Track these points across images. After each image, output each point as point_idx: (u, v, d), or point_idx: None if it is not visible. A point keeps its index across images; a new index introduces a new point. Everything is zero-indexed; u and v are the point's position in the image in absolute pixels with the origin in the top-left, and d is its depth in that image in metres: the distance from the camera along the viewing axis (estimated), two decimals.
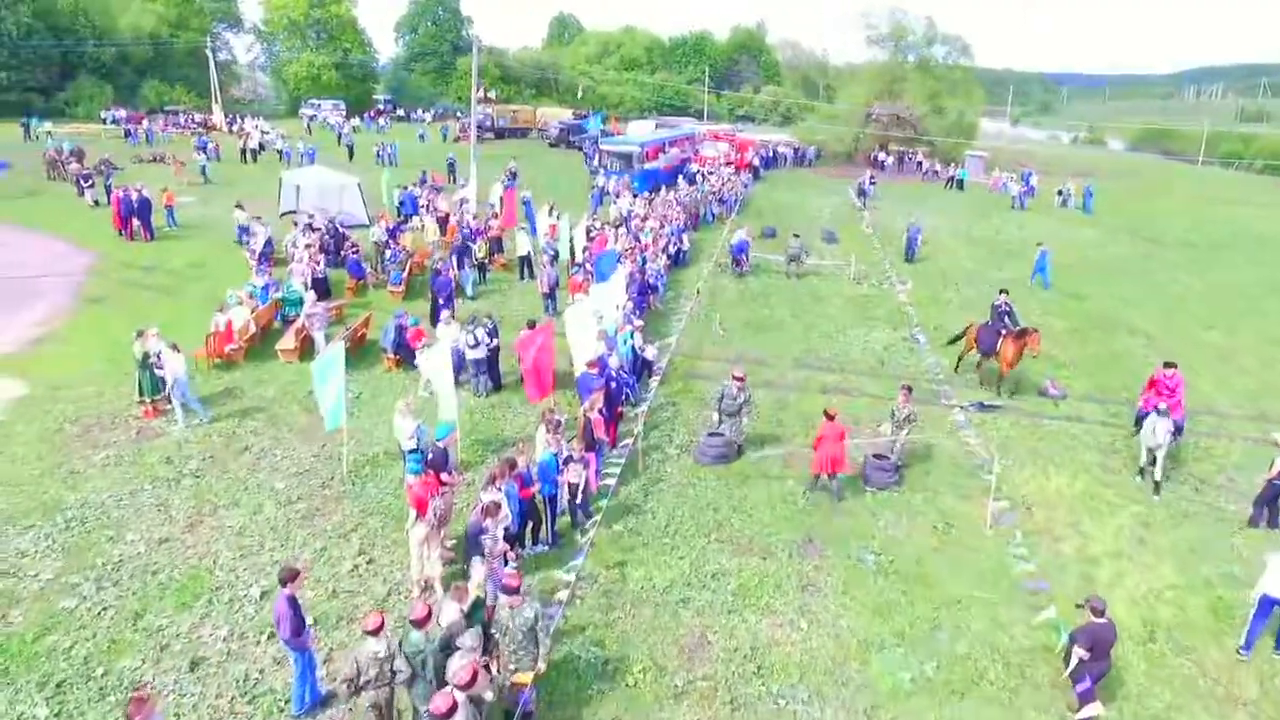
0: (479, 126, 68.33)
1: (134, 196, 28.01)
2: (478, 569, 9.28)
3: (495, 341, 17.22)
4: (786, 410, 17.31)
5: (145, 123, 60.22)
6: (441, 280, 20.95)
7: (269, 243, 25.51)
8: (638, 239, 26.33)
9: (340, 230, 26.67)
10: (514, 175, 41.10)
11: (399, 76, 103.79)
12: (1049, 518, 13.63)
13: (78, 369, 17.28)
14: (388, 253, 25.14)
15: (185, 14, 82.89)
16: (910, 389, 15.07)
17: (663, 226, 28.68)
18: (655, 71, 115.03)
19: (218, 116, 67.96)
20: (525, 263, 26.13)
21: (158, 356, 14.84)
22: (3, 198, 34.49)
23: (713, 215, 37.01)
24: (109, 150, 46.27)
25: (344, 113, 79.32)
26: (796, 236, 28.61)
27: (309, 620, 9.01)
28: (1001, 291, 20.43)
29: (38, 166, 39.70)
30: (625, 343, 17.33)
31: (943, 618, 10.98)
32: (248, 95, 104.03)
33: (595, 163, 45.06)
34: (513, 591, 8.38)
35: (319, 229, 26.49)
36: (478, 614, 8.82)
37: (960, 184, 52.89)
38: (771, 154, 58.53)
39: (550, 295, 22.33)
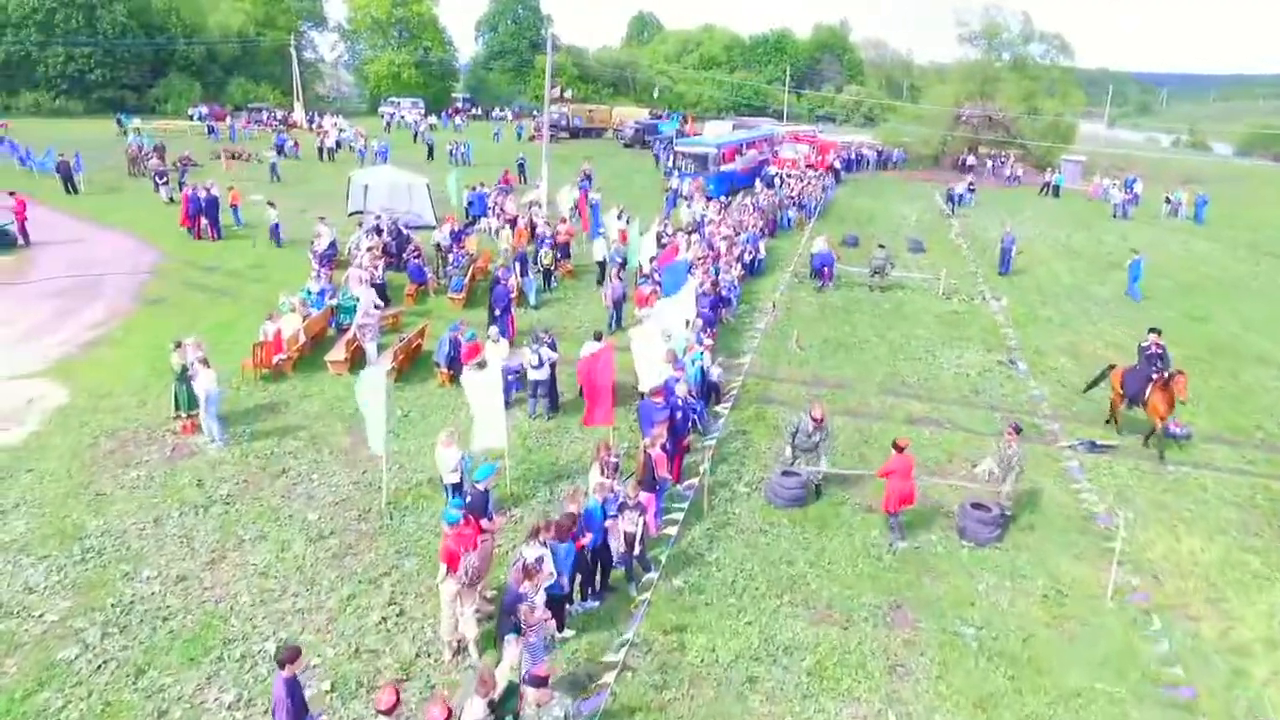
0: (554, 126, 67.72)
1: (202, 195, 27.75)
2: (510, 649, 7.96)
3: (555, 355, 15.99)
4: (870, 444, 15.60)
5: (228, 119, 61.23)
6: (499, 290, 19.81)
7: (333, 245, 24.86)
8: (711, 246, 24.81)
9: (404, 232, 25.84)
10: (588, 178, 39.98)
11: (478, 75, 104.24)
12: (1181, 590, 11.66)
13: (123, 376, 16.67)
14: (450, 257, 24.20)
15: (272, 13, 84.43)
16: (1019, 429, 13.25)
17: (738, 233, 27.11)
18: (734, 71, 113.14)
19: (298, 114, 68.81)
20: (602, 269, 24.89)
21: (195, 368, 14.02)
22: (85, 193, 34.90)
23: (790, 221, 35.22)
24: (191, 147, 47.01)
25: (423, 111, 79.70)
26: (882, 247, 26.70)
27: (316, 703, 7.86)
28: (1151, 331, 16.94)
29: (122, 162, 40.29)
30: (694, 364, 15.87)
31: (1059, 717, 9.24)
32: (332, 93, 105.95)
33: (669, 164, 43.69)
34: (541, 683, 7.06)
35: (382, 230, 25.70)
36: (509, 704, 7.52)
37: (1056, 190, 49.76)
38: (854, 156, 56.27)
39: (616, 307, 21.00)
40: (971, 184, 43.03)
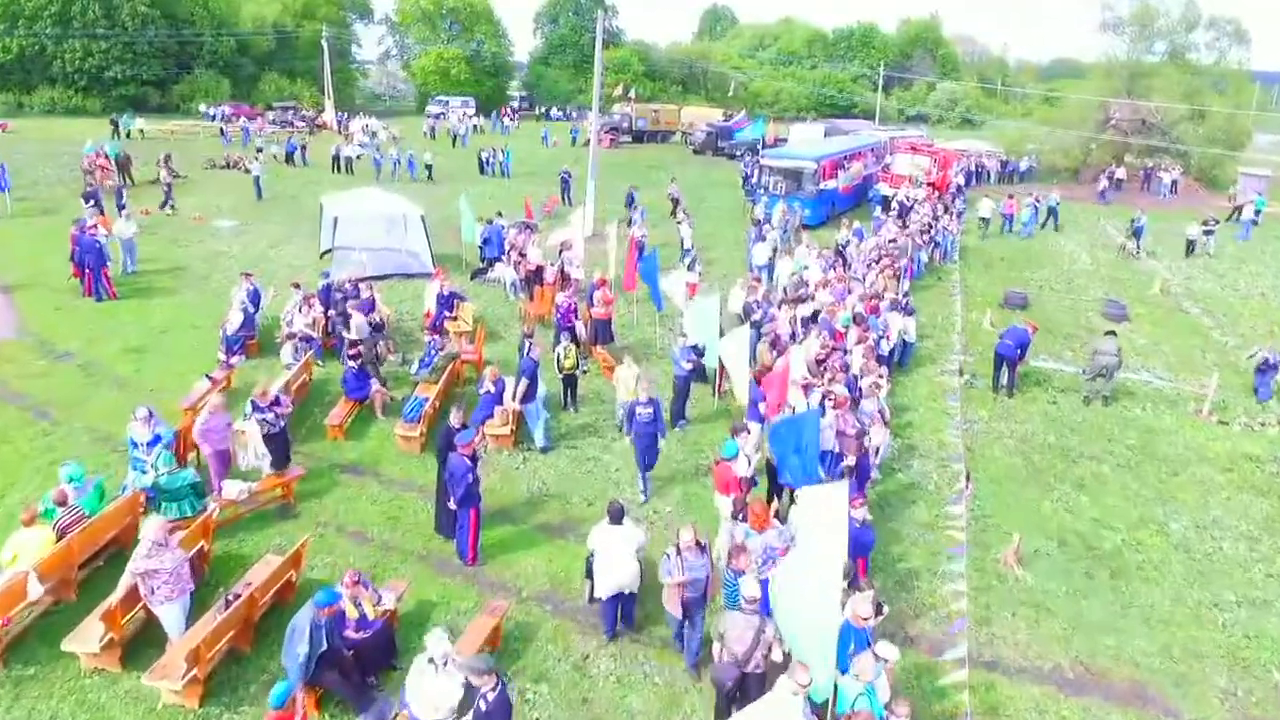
0: (613, 129, 59.05)
1: (91, 236, 19.48)
2: None
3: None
4: None
5: (241, 120, 53.89)
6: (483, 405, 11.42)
7: (248, 323, 16.34)
8: (834, 342, 15.46)
9: (346, 298, 16.99)
10: (631, 200, 30.78)
11: (536, 72, 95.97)
12: None
13: None
14: (427, 342, 15.41)
15: (312, 3, 77.43)
16: None
17: (872, 300, 17.65)
18: (815, 66, 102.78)
19: (328, 114, 61.28)
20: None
21: None
22: (10, 215, 27.25)
23: (921, 266, 25.32)
24: (201, 152, 39.77)
25: (473, 110, 71.77)
26: (1111, 334, 16.82)
27: None
28: None
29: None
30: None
31: None
32: (386, 91, 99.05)
33: (754, 180, 34.34)
34: None
35: (325, 297, 17.06)
36: None
37: (1254, 214, 37.57)
38: (974, 168, 46.05)
39: (645, 453, 11.89)
40: (1210, 222, 31.28)
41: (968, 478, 12.14)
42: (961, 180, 39.93)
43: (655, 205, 32.44)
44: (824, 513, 8.68)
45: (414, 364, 15.34)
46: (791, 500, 10.16)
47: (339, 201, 23.66)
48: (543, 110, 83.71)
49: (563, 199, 34.18)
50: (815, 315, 17.52)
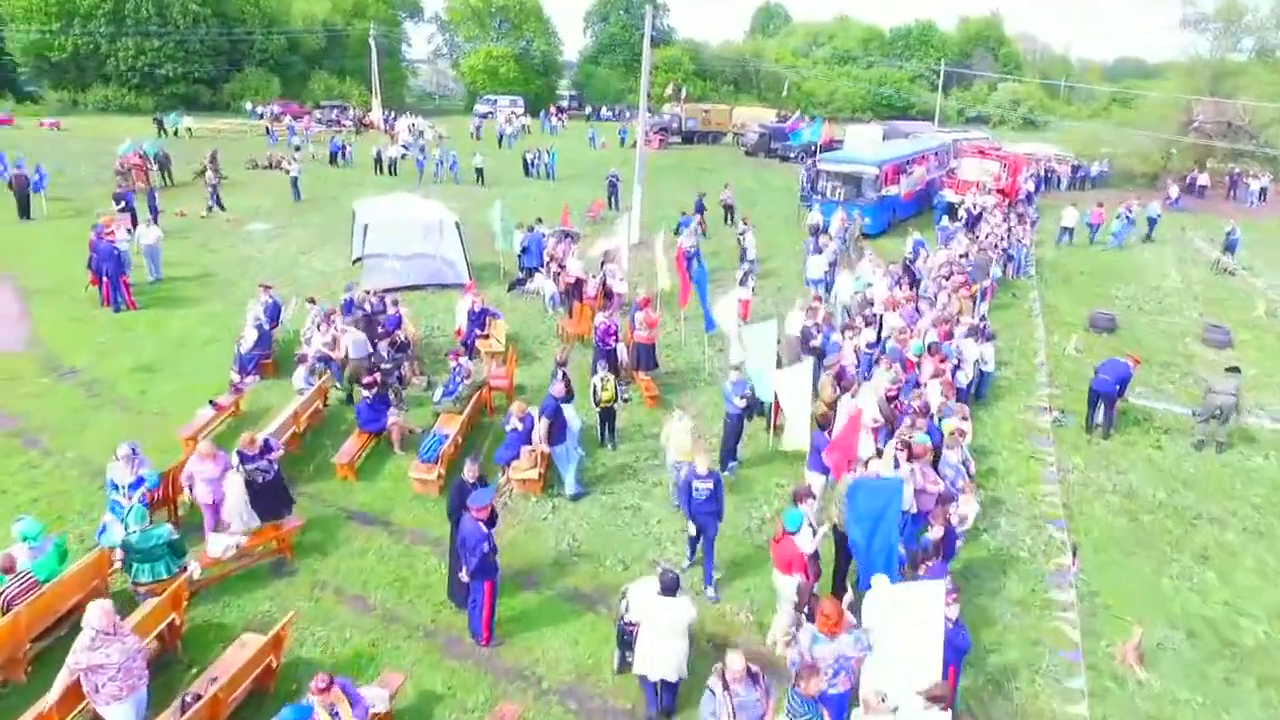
0: (662, 130, 57.44)
1: (105, 241, 18.47)
2: None
3: None
4: None
5: (286, 119, 53.39)
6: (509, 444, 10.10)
7: (264, 339, 15.10)
8: (905, 372, 13.72)
9: (372, 316, 15.68)
10: (700, 207, 29.14)
11: (585, 71, 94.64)
12: None
13: None
14: (451, 366, 13.96)
15: (363, 1, 77.05)
16: None
17: (946, 325, 15.81)
18: (871, 66, 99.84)
19: (375, 113, 60.60)
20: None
21: None
22: (42, 217, 26.59)
23: (993, 282, 23.14)
24: (249, 152, 39.23)
25: (521, 109, 70.69)
26: (1234, 370, 14.69)
27: None
28: None
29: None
30: None
31: None
32: (436, 90, 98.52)
33: (809, 186, 32.47)
34: None
35: (343, 314, 15.73)
36: None
37: None
38: (1045, 174, 43.48)
39: (699, 518, 10.18)
40: None
41: (1074, 552, 10.25)
42: (1031, 186, 37.54)
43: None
44: (911, 613, 7.02)
45: (437, 389, 13.91)
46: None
47: (371, 207, 22.45)
48: (591, 110, 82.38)
49: (609, 203, 32.70)
50: (881, 340, 15.83)
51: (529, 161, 40.49)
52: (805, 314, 15.63)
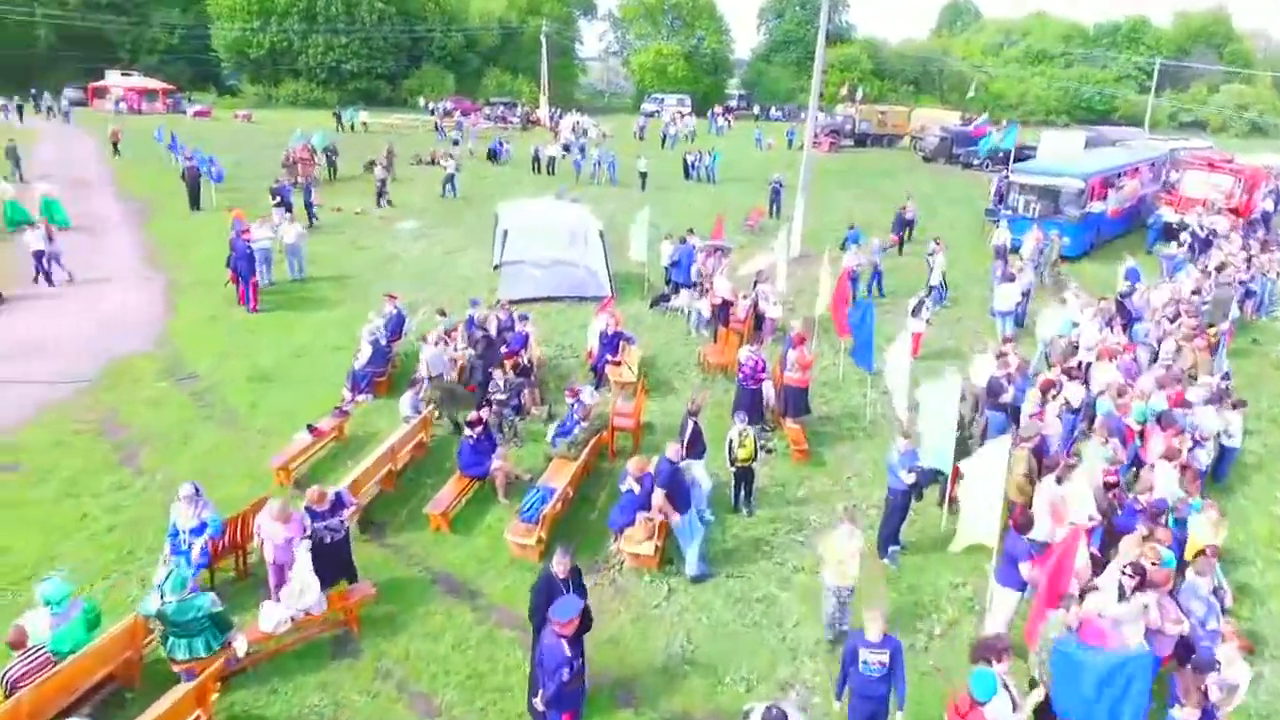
0: (833, 131, 54.25)
1: (243, 241, 18.08)
2: None
3: None
4: None
5: (456, 115, 54.11)
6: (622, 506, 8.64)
7: (380, 355, 14.00)
8: (1124, 446, 10.87)
9: (493, 339, 14.24)
10: (903, 222, 26.13)
11: (757, 69, 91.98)
12: None
13: None
14: (570, 406, 12.29)
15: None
16: None
17: (1178, 385, 12.65)
18: (1069, 65, 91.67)
19: (542, 110, 60.65)
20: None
21: None
22: (212, 209, 27.22)
23: (1231, 324, 19.13)
24: (419, 147, 39.71)
25: (688, 109, 69.24)
26: None
27: None
28: None
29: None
30: None
31: None
32: (608, 88, 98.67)
33: (997, 198, 28.94)
34: None
35: (466, 333, 14.43)
36: None
37: None
38: None
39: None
40: None
41: None
42: (1270, 205, 32.12)
43: (876, 222, 27.95)
44: None
45: (552, 427, 12.28)
46: None
47: (514, 210, 21.28)
48: (760, 110, 79.82)
49: (770, 211, 30.31)
50: (1090, 400, 12.87)
51: (689, 164, 38.66)
52: (995, 360, 12.93)
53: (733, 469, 10.99)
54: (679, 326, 18.51)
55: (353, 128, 50.44)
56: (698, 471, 10.83)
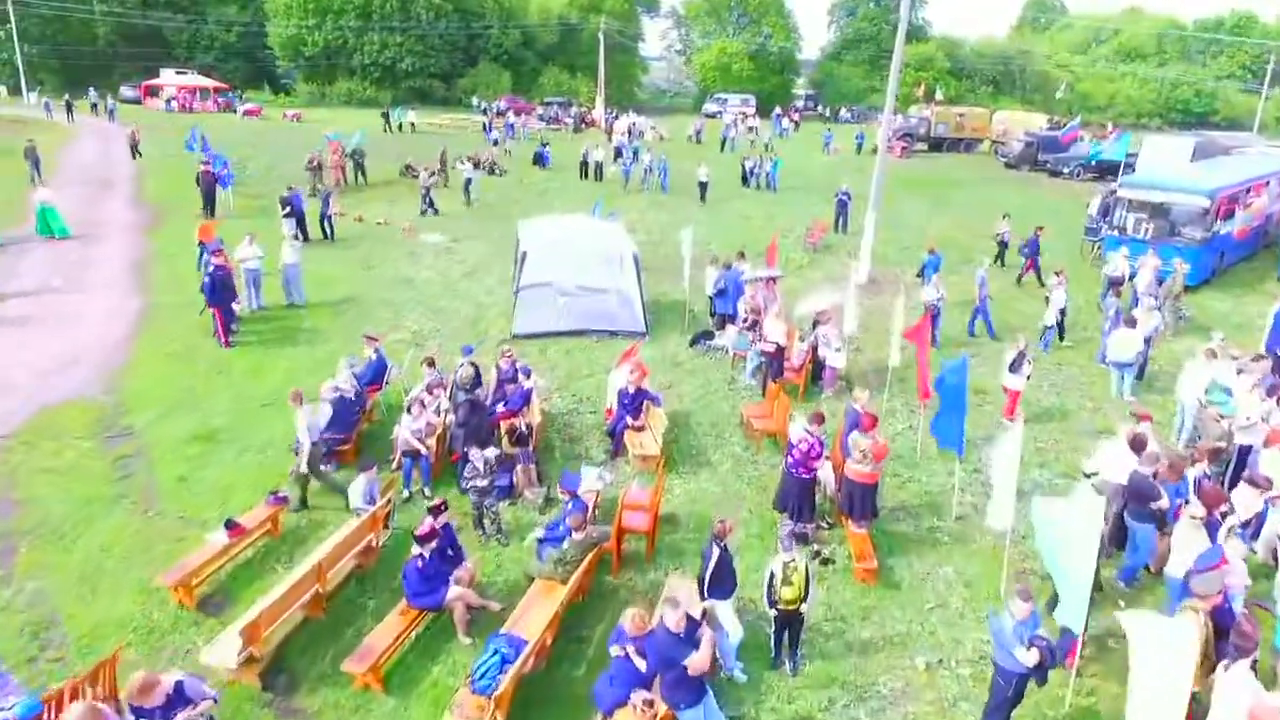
0: (906, 135, 50.36)
1: (213, 262, 15.64)
2: None
3: None
4: None
5: (509, 114, 51.82)
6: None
7: (342, 416, 11.33)
8: None
9: (477, 403, 11.34)
10: (1034, 247, 21.90)
11: (826, 69, 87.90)
12: None
13: None
14: (564, 508, 9.42)
15: None
16: None
17: None
18: (1166, 63, 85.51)
19: (598, 110, 58.03)
20: None
21: None
22: (227, 215, 24.98)
23: None
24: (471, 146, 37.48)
25: (752, 109, 66.06)
26: None
27: None
28: None
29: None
30: None
31: None
32: (671, 87, 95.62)
33: (1099, 215, 25.17)
34: None
35: (453, 383, 11.68)
36: None
37: None
38: None
39: None
40: None
41: None
42: None
43: (953, 240, 24.48)
44: None
45: (540, 527, 9.42)
46: None
47: (535, 229, 18.49)
48: (829, 111, 75.99)
49: (836, 225, 26.94)
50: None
51: (748, 170, 35.46)
52: (1138, 452, 9.55)
53: (773, 611, 7.96)
54: (722, 372, 15.49)
55: (400, 128, 48.61)
56: (723, 613, 7.88)
